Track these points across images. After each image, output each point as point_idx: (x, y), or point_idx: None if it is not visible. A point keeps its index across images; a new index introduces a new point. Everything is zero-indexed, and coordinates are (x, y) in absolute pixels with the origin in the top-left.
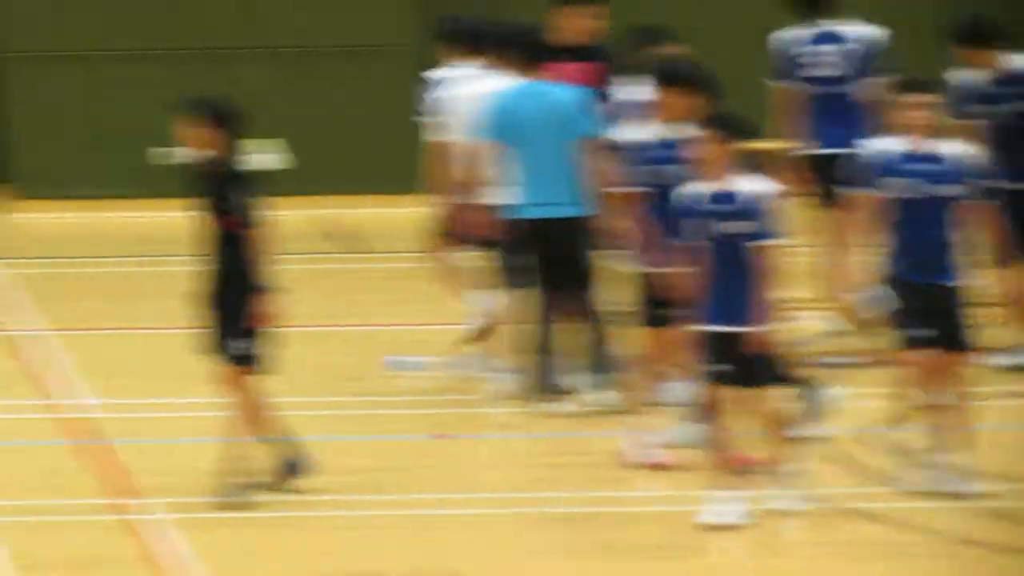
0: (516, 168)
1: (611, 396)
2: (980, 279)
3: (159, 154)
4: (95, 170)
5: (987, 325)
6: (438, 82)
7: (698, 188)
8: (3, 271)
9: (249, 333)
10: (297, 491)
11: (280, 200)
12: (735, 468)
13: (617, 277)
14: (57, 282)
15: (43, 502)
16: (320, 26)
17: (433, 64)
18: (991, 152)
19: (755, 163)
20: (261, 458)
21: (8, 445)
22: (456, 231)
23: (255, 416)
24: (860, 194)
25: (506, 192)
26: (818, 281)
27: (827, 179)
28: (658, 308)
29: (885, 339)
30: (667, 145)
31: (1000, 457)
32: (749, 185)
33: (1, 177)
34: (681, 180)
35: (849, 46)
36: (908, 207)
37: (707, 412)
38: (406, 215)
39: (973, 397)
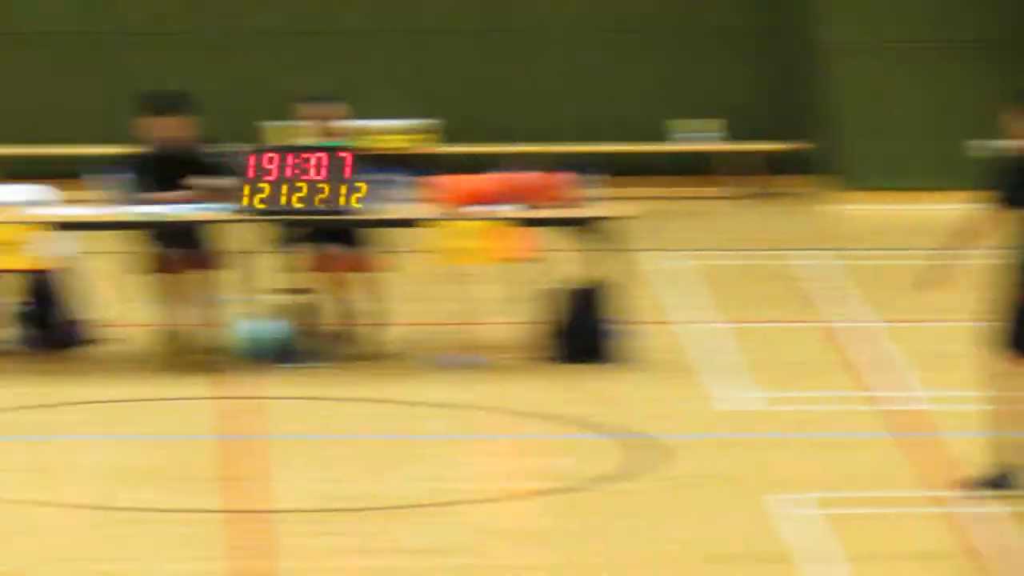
0: None
1: None
2: None
3: (977, 146)
4: (922, 161)
5: None
6: None
7: None
8: (832, 262)
9: None
10: None
11: None
12: None
13: None
14: (886, 273)
15: (867, 494)
16: None
17: None
18: None
19: None
20: None
21: (829, 438)
22: None
23: None
24: None
25: None
26: None
27: None
28: None
29: None
30: None
31: None
32: None
33: (829, 168)
34: None
35: None
36: None
37: None
38: None
39: None
